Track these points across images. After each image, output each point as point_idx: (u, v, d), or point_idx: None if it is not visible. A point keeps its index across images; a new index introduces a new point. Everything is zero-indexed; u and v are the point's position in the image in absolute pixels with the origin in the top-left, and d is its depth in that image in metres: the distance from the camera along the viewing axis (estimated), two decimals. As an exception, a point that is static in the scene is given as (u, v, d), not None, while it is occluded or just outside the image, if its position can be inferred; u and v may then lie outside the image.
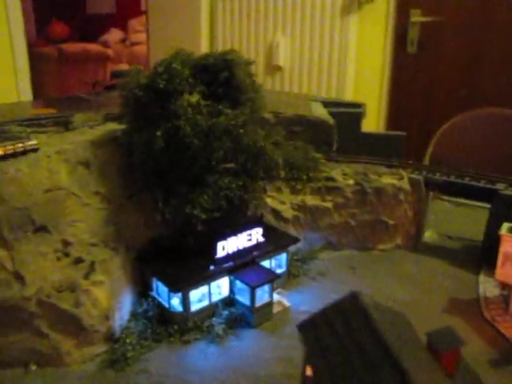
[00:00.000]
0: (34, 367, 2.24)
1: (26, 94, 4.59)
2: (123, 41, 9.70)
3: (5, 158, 2.17)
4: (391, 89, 5.40)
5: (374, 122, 5.23)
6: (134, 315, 2.38)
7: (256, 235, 2.40)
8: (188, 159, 2.24)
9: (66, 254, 2.24)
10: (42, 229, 2.22)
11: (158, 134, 2.17)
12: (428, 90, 5.24)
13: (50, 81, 7.88)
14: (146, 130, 2.26)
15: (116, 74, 8.18)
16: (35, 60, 4.78)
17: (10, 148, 2.20)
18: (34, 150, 2.22)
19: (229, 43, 5.77)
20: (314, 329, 1.83)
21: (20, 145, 2.21)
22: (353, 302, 1.84)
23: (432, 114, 5.10)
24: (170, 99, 2.24)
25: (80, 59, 8.45)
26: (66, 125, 2.89)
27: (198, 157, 2.21)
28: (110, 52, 9.02)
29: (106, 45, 9.24)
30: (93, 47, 8.87)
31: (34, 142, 2.27)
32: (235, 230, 2.34)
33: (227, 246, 2.32)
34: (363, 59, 5.43)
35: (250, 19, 5.75)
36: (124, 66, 9.05)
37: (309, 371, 1.80)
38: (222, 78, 2.21)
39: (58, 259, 2.22)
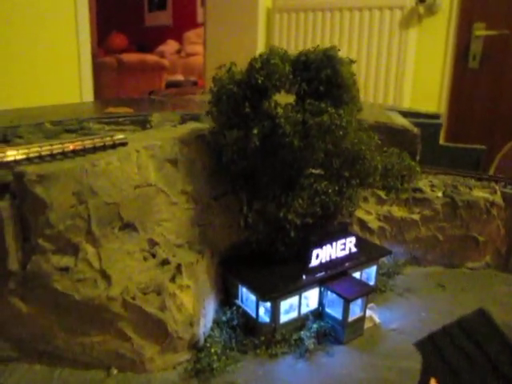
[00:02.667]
0: (115, 371, 2.12)
1: (88, 99, 4.65)
2: (178, 52, 9.90)
3: (94, 150, 2.08)
4: (450, 104, 5.24)
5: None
6: (217, 323, 2.24)
7: (349, 244, 2.25)
8: (283, 160, 2.12)
9: (153, 255, 2.13)
10: (129, 226, 2.11)
11: (255, 132, 2.05)
12: (490, 106, 5.06)
13: (109, 89, 8.03)
14: (239, 128, 2.15)
15: (170, 84, 8.28)
16: (96, 69, 4.84)
17: (99, 141, 2.12)
18: (123, 144, 2.13)
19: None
20: (433, 346, 1.68)
21: (108, 138, 2.12)
22: (481, 318, 1.67)
23: (494, 131, 4.91)
24: (268, 96, 2.13)
25: (137, 69, 8.62)
26: (143, 124, 2.82)
27: (296, 158, 2.08)
28: (165, 62, 9.20)
29: (162, 55, 9.45)
30: (150, 58, 9.07)
31: (122, 136, 2.18)
32: (330, 238, 2.20)
33: (321, 255, 2.18)
34: (422, 74, 5.29)
35: (307, 32, 5.69)
36: (179, 76, 9.22)
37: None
38: (324, 75, 2.08)
39: (145, 259, 2.11)
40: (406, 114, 3.33)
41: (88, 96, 4.49)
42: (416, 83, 5.38)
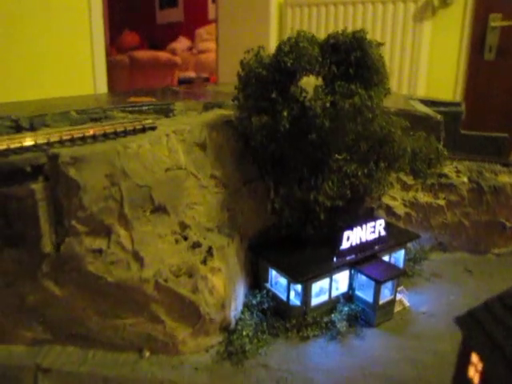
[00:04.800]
0: (147, 354, 2.13)
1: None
2: (190, 49, 9.92)
3: (125, 134, 2.09)
4: (466, 98, 5.21)
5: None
6: (247, 307, 2.25)
7: (379, 228, 2.25)
8: (313, 143, 2.12)
9: (184, 237, 2.13)
10: (160, 209, 2.12)
11: (285, 114, 2.05)
12: (506, 99, 5.03)
13: (122, 86, 8.06)
14: (268, 111, 2.15)
15: (182, 81, 8.30)
16: (108, 67, 4.87)
17: (129, 125, 2.12)
18: (153, 128, 2.14)
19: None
20: (474, 321, 1.66)
21: (138, 122, 2.13)
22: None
23: (510, 123, 4.88)
24: (297, 79, 2.13)
25: (149, 66, 8.66)
26: (166, 112, 2.82)
27: (326, 140, 2.08)
28: (177, 59, 9.22)
29: (173, 53, 9.47)
30: (162, 55, 9.10)
31: (151, 120, 2.19)
32: (361, 221, 2.20)
33: (351, 237, 2.17)
34: (436, 67, 5.27)
35: (320, 26, 5.68)
36: (191, 73, 9.24)
37: (471, 372, 1.63)
38: (353, 57, 2.08)
39: (176, 242, 2.11)
40: (426, 102, 3.31)
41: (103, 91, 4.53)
42: (430, 77, 5.36)
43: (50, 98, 3.20)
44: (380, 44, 2.20)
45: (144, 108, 2.88)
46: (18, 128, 2.46)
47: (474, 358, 1.61)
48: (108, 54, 7.60)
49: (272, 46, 2.27)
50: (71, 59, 4.34)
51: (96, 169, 1.93)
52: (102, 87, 4.70)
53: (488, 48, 5.00)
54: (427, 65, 5.30)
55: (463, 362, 1.68)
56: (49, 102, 3.10)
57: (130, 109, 2.86)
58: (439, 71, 5.29)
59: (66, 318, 2.13)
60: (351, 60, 2.10)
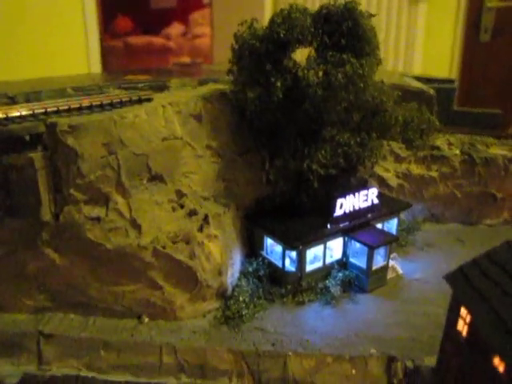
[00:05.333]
0: (146, 319, 2.18)
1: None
2: (184, 34, 9.83)
3: (122, 104, 2.13)
4: (461, 79, 5.22)
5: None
6: (243, 275, 2.30)
7: (371, 196, 2.29)
8: (306, 113, 2.15)
9: (181, 206, 2.18)
10: (157, 177, 2.16)
11: (278, 84, 2.09)
12: (502, 79, 5.04)
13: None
14: (262, 82, 2.18)
15: (177, 66, 8.24)
16: (102, 53, 4.86)
17: (125, 96, 2.16)
18: (149, 100, 2.17)
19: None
20: (464, 277, 1.72)
21: (134, 94, 2.17)
22: (509, 250, 1.71)
23: (506, 104, 4.90)
24: (290, 49, 2.16)
25: (144, 51, 8.62)
26: (162, 89, 2.85)
27: (319, 109, 2.12)
28: (172, 45, 9.17)
29: (168, 38, 9.41)
30: (156, 40, 9.05)
31: (147, 92, 2.22)
32: (353, 189, 2.24)
33: (345, 205, 2.22)
34: (431, 49, 5.27)
35: (315, 3, 5.68)
36: (185, 58, 9.18)
37: (460, 325, 1.68)
38: (345, 27, 2.12)
39: (173, 210, 2.16)
40: (421, 79, 3.35)
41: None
42: (426, 58, 5.35)
43: (46, 76, 3.22)
44: (371, 15, 2.24)
45: (140, 85, 2.91)
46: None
47: (463, 311, 1.67)
48: (102, 40, 7.54)
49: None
50: (65, 39, 4.33)
51: (93, 137, 1.97)
52: (96, 67, 4.71)
53: (484, 29, 5.01)
54: (423, 45, 5.29)
55: (453, 317, 1.73)
56: (44, 80, 3.12)
57: (126, 86, 2.89)
58: (435, 52, 5.28)
59: (67, 286, 2.18)
60: (343, 30, 2.14)
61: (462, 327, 1.71)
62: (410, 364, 1.98)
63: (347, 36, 2.16)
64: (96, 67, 4.84)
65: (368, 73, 2.12)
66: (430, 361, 1.96)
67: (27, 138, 1.94)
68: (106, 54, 6.52)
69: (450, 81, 3.42)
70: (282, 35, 2.10)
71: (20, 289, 2.20)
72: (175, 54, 8.52)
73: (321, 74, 2.07)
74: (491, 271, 1.66)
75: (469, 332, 1.65)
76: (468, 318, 1.67)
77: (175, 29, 8.89)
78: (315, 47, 2.26)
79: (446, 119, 3.19)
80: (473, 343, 1.60)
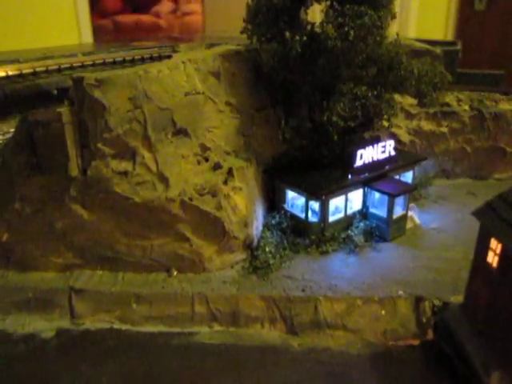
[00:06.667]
0: (175, 272, 2.22)
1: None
2: (174, 11, 9.73)
3: (143, 61, 2.14)
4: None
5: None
6: (267, 227, 2.35)
7: (389, 148, 2.34)
8: (324, 67, 2.18)
9: (206, 159, 2.21)
10: (182, 132, 2.19)
11: (297, 38, 2.11)
12: (495, 47, 5.12)
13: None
14: (278, 39, 2.20)
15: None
16: (91, 32, 4.83)
17: (146, 53, 2.17)
18: (168, 57, 2.19)
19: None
20: (492, 211, 1.78)
21: (155, 49, 2.18)
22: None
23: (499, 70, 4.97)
24: (307, 4, 2.18)
25: (134, 30, 8.56)
26: (173, 51, 2.85)
27: (337, 62, 2.15)
28: (162, 22, 9.10)
29: (157, 16, 9.32)
30: (145, 18, 8.97)
31: (169, 49, 2.23)
32: (372, 141, 2.29)
33: (364, 156, 2.27)
34: (426, 19, 5.31)
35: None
36: (176, 37, 9.10)
37: (490, 257, 1.74)
38: (361, -21, 2.13)
39: (198, 163, 2.19)
40: (422, 41, 3.39)
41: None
42: (420, 24, 5.37)
43: (53, 46, 3.21)
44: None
45: (149, 50, 2.91)
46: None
47: (493, 243, 1.74)
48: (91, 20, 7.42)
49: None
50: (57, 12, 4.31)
51: (120, 91, 1.98)
52: (88, 38, 4.68)
53: (478, -2, 5.06)
54: (417, 17, 5.32)
55: (482, 250, 1.79)
56: (52, 49, 3.11)
57: (136, 51, 2.89)
58: (429, 23, 5.32)
59: (95, 242, 2.20)
60: (360, -18, 2.15)
61: (493, 258, 1.79)
62: (437, 302, 2.06)
63: (364, -12, 2.18)
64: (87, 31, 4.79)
65: (384, 25, 2.16)
66: (457, 299, 2.04)
67: (55, 91, 1.95)
68: (95, 33, 6.44)
69: (453, 43, 3.48)
70: (299, -11, 2.13)
71: (48, 247, 2.22)
72: (165, 31, 8.46)
73: (339, 25, 2.10)
74: (517, 203, 1.73)
75: (499, 262, 1.72)
76: (499, 249, 1.74)
77: (165, 6, 8.84)
78: (331, 2, 2.29)
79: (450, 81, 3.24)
80: (505, 271, 1.68)
